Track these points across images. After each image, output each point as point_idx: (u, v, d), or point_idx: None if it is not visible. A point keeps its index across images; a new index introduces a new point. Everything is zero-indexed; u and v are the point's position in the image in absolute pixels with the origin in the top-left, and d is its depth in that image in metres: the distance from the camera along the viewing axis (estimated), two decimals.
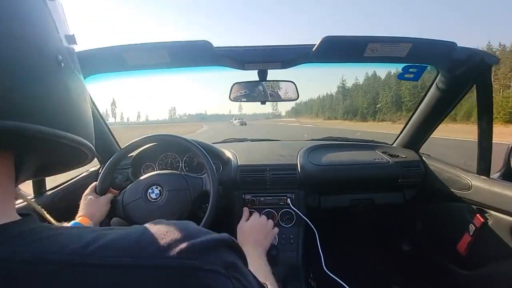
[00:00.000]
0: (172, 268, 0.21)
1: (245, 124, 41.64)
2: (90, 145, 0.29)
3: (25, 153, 0.25)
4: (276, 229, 0.85)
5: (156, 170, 0.99)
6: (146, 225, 0.25)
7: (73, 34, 0.29)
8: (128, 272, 0.20)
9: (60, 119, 0.25)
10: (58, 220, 0.97)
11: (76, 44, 0.30)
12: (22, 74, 0.22)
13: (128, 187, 0.87)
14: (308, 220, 1.11)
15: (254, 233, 0.74)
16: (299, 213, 1.14)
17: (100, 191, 0.85)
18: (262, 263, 0.61)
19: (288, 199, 1.17)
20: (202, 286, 0.21)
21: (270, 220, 0.86)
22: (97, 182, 0.86)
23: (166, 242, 0.22)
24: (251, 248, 0.67)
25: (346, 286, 0.89)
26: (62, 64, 0.26)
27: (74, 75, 0.28)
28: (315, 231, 1.05)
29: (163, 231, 0.23)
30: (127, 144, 0.93)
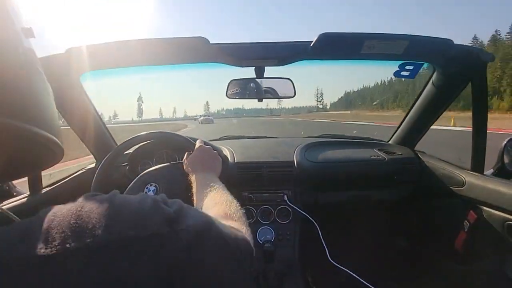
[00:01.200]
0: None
1: (212, 122, 37.12)
2: (57, 141, 0.28)
3: None
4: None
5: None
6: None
7: (30, 27, 0.28)
8: None
9: (26, 114, 0.24)
10: None
11: (34, 37, 0.28)
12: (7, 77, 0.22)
13: (126, 190, 0.87)
14: (307, 215, 1.11)
15: (200, 161, 0.74)
16: (297, 208, 1.15)
17: (96, 189, 0.85)
18: (216, 185, 0.60)
19: (285, 196, 1.18)
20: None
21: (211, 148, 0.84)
22: (94, 180, 0.86)
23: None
24: (201, 175, 0.68)
25: (353, 275, 0.90)
26: (26, 56, 0.26)
27: (35, 70, 0.28)
28: (316, 225, 1.06)
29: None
30: (123, 141, 0.92)
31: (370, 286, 0.90)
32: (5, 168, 0.27)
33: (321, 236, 1.02)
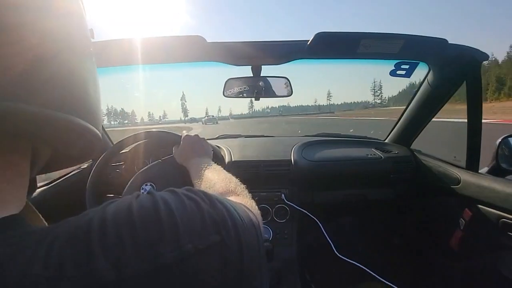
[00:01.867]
0: None
1: (216, 123, 36.44)
2: (101, 136, 0.29)
3: (42, 144, 0.25)
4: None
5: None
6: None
7: (91, 28, 0.29)
8: None
9: (88, 113, 0.25)
10: (50, 218, 0.96)
11: (94, 38, 0.30)
12: (64, 66, 0.22)
13: (124, 192, 0.86)
14: (307, 212, 1.12)
15: (189, 149, 0.74)
16: (296, 206, 1.15)
17: (92, 188, 0.84)
18: (210, 165, 0.61)
19: (282, 195, 1.18)
20: None
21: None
22: (89, 179, 0.85)
23: None
24: (194, 161, 0.67)
25: (361, 267, 0.91)
26: (93, 59, 0.28)
27: (95, 68, 0.29)
28: (318, 221, 1.06)
29: None
30: (119, 140, 0.92)
31: (378, 276, 0.90)
32: (51, 160, 0.28)
33: (323, 230, 1.03)
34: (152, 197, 0.24)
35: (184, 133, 0.81)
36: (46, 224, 0.29)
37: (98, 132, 0.28)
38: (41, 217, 0.29)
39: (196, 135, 0.79)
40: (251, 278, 0.26)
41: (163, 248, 0.20)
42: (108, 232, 0.20)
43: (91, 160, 1.25)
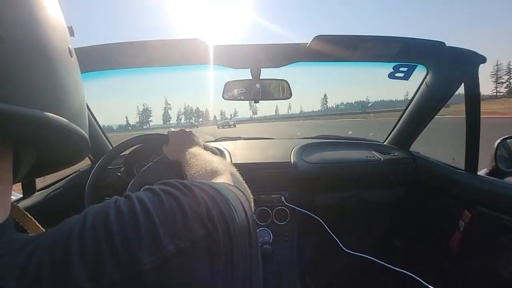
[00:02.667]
0: None
1: (233, 126, 35.47)
2: (87, 138, 0.28)
3: (24, 147, 0.25)
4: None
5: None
6: None
7: (71, 26, 0.29)
8: None
9: (68, 111, 0.25)
10: (48, 221, 0.96)
11: (74, 36, 0.30)
12: (41, 63, 0.22)
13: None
14: (309, 213, 1.11)
15: (177, 144, 0.73)
16: (297, 208, 1.15)
17: (90, 191, 0.84)
18: (197, 153, 0.60)
19: (282, 197, 1.18)
20: None
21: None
22: (88, 182, 0.85)
23: None
24: (184, 154, 0.66)
25: (373, 259, 0.90)
26: (72, 56, 0.27)
27: (77, 67, 0.29)
28: (321, 220, 1.06)
29: None
30: (119, 143, 0.92)
31: (388, 265, 0.90)
32: (36, 165, 0.28)
33: (328, 229, 1.02)
34: (128, 200, 0.23)
35: (171, 130, 0.81)
36: (41, 227, 0.28)
37: (82, 131, 0.27)
38: (34, 220, 0.29)
39: (182, 129, 0.79)
40: (242, 265, 0.26)
41: (141, 253, 0.19)
42: (86, 240, 0.19)
43: (90, 163, 1.25)
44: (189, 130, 0.79)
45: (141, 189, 0.27)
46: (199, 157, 0.58)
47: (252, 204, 0.38)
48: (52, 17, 0.25)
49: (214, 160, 0.54)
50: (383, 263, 0.91)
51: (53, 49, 0.24)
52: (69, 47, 0.27)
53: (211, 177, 0.46)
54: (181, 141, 0.73)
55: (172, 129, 0.80)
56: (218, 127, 34.07)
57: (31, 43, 0.22)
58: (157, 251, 0.20)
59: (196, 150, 0.65)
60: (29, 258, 0.18)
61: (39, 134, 0.23)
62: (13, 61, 0.20)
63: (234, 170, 0.51)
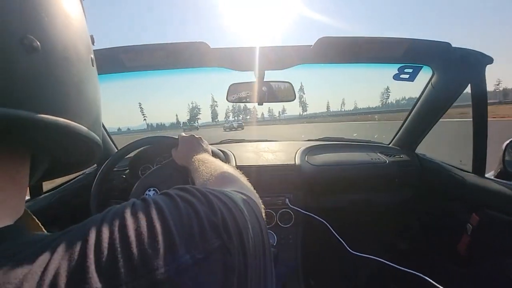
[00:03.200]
0: None
1: (240, 128, 33.47)
2: (101, 145, 0.29)
3: (42, 153, 0.25)
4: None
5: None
6: None
7: (92, 35, 0.30)
8: None
9: (88, 119, 0.25)
10: (55, 224, 0.97)
11: (94, 44, 0.30)
12: (69, 73, 0.23)
13: (129, 199, 0.86)
14: (314, 215, 1.11)
15: (187, 149, 0.74)
16: (301, 210, 1.14)
17: (96, 194, 0.85)
18: (207, 160, 0.61)
19: (287, 199, 1.18)
20: None
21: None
22: (94, 184, 0.86)
23: None
24: (193, 158, 0.66)
25: (380, 260, 0.89)
26: (94, 65, 0.28)
27: (97, 76, 0.29)
28: (326, 223, 1.05)
29: None
30: (124, 146, 0.92)
31: (396, 265, 0.89)
32: (50, 168, 0.28)
33: (333, 231, 1.01)
34: (145, 205, 0.23)
35: (182, 134, 0.81)
36: (45, 231, 0.28)
37: (99, 139, 0.27)
38: (40, 224, 0.29)
39: (192, 135, 0.79)
40: (256, 279, 0.25)
41: (157, 263, 0.19)
42: (103, 247, 0.19)
43: (95, 166, 1.26)
44: (199, 136, 0.79)
45: (159, 193, 0.26)
46: (209, 164, 0.58)
47: (263, 212, 0.37)
48: (79, 26, 0.25)
49: (224, 168, 0.54)
50: (390, 263, 0.90)
51: (79, 58, 0.25)
52: (91, 57, 0.27)
53: (221, 185, 0.46)
54: (191, 147, 0.73)
55: (183, 134, 0.80)
56: (225, 130, 32.49)
57: (61, 52, 0.22)
58: (173, 260, 0.20)
59: (205, 156, 0.65)
60: (48, 264, 0.18)
61: (60, 141, 0.24)
62: (44, 70, 0.21)
63: (244, 178, 0.51)
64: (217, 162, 0.59)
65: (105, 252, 0.19)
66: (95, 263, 0.18)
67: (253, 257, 0.26)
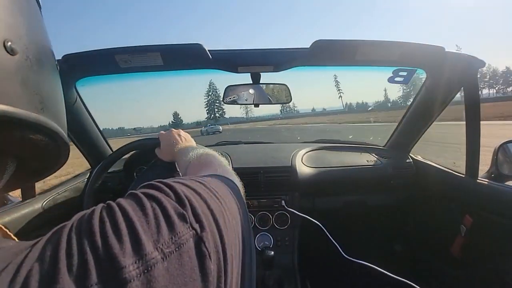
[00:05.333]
0: None
1: (218, 132, 29.97)
2: (63, 133, 0.29)
3: (7, 150, 0.25)
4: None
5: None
6: None
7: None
8: None
9: (57, 114, 0.27)
10: (48, 226, 0.95)
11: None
12: (45, 72, 0.26)
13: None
14: (309, 217, 1.11)
15: (169, 145, 0.74)
16: (297, 212, 1.14)
17: (90, 196, 0.84)
18: (187, 150, 0.61)
19: (283, 201, 1.18)
20: None
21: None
22: (87, 186, 0.85)
23: None
24: (177, 151, 0.67)
25: (373, 266, 0.89)
26: (58, 68, 0.30)
27: (59, 76, 0.31)
28: (321, 226, 1.05)
29: None
30: (118, 148, 0.92)
31: (392, 275, 0.89)
32: (13, 173, 0.28)
33: (328, 234, 1.01)
34: (109, 210, 0.23)
35: (161, 132, 0.81)
36: (16, 239, 0.28)
37: (66, 138, 0.28)
38: (5, 229, 0.28)
39: (170, 129, 0.79)
40: (236, 260, 0.25)
41: (125, 263, 0.19)
42: (73, 251, 0.19)
43: (90, 168, 1.25)
44: (178, 129, 0.79)
45: (125, 195, 0.26)
46: (186, 152, 0.59)
47: (243, 190, 0.37)
48: (45, 29, 0.27)
49: (200, 152, 0.54)
50: (381, 270, 0.90)
51: (49, 59, 0.26)
52: (55, 60, 0.30)
53: (198, 170, 0.46)
54: (172, 141, 0.73)
55: (162, 131, 0.80)
56: (202, 134, 29.26)
57: (35, 55, 0.24)
58: (141, 258, 0.20)
59: (185, 146, 0.66)
60: (20, 266, 0.18)
61: (28, 137, 0.24)
62: (22, 71, 0.22)
63: (221, 158, 0.51)
64: (195, 149, 0.59)
65: (75, 255, 0.19)
66: (66, 266, 0.18)
67: (231, 239, 0.26)
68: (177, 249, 0.21)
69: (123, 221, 0.21)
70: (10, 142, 0.23)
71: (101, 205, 0.24)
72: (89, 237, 0.20)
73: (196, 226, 0.23)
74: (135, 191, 0.26)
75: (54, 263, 0.18)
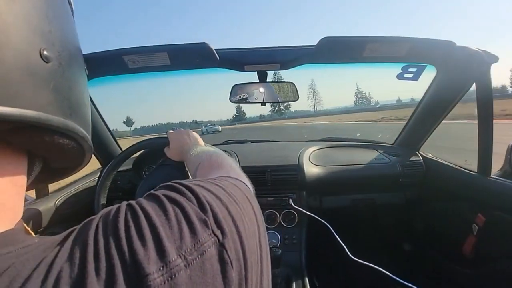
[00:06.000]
0: None
1: (218, 131, 31.46)
2: (87, 135, 0.29)
3: (36, 155, 0.26)
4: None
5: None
6: None
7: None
8: None
9: (83, 119, 0.28)
10: (61, 224, 0.98)
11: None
12: (74, 78, 0.27)
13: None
14: (317, 216, 1.10)
15: (178, 144, 0.74)
16: (304, 211, 1.14)
17: (100, 193, 0.85)
18: (195, 150, 0.62)
19: (290, 200, 1.18)
20: None
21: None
22: (98, 185, 0.87)
23: None
24: (187, 151, 0.67)
25: (378, 268, 0.88)
26: (86, 71, 0.31)
27: (87, 79, 0.32)
28: (329, 225, 1.05)
29: None
30: (128, 147, 0.93)
31: (396, 278, 0.88)
32: (44, 171, 0.29)
33: (335, 235, 1.01)
34: (133, 212, 0.23)
35: (170, 131, 0.82)
36: (34, 235, 0.29)
37: (91, 142, 0.29)
38: (28, 228, 0.30)
39: (179, 129, 0.80)
40: (256, 267, 0.25)
41: (149, 269, 0.19)
42: (101, 255, 0.19)
43: (100, 167, 1.27)
44: (186, 129, 0.79)
45: (145, 194, 0.26)
46: (196, 153, 0.59)
47: (253, 192, 0.37)
48: (76, 33, 0.29)
49: (211, 152, 0.54)
50: (387, 273, 0.89)
51: (79, 64, 0.28)
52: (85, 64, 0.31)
53: (209, 171, 0.46)
54: (181, 141, 0.74)
55: (171, 131, 0.81)
56: (202, 134, 29.84)
57: (68, 61, 0.25)
58: (165, 265, 0.20)
59: (195, 146, 0.66)
60: (50, 268, 0.18)
61: (57, 142, 0.25)
62: (54, 78, 0.23)
63: (230, 158, 0.51)
64: (204, 149, 0.60)
65: (103, 259, 0.19)
66: (94, 269, 0.18)
67: (251, 245, 0.25)
68: (199, 256, 0.21)
69: (147, 225, 0.21)
70: (40, 145, 0.24)
71: (125, 204, 0.24)
72: (115, 240, 0.20)
73: (218, 232, 0.23)
74: (156, 193, 0.26)
75: (82, 265, 0.18)
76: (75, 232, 0.22)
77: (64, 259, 0.19)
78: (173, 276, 0.19)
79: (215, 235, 0.23)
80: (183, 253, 0.21)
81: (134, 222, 0.22)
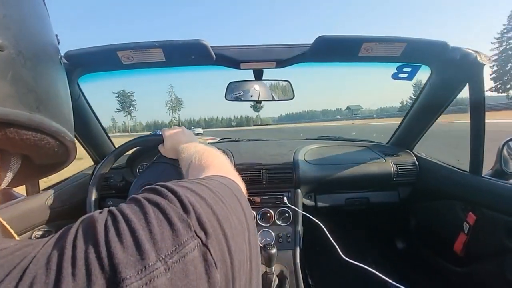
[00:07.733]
0: None
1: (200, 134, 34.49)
2: (75, 142, 0.29)
3: (3, 148, 0.25)
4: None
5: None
6: None
7: (57, 34, 0.30)
8: None
9: (60, 116, 0.26)
10: (52, 222, 0.96)
11: (59, 43, 0.31)
12: (39, 69, 0.24)
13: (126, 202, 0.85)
14: (310, 215, 1.11)
15: (172, 142, 0.74)
16: (298, 210, 1.14)
17: (92, 191, 0.84)
18: (188, 148, 0.61)
19: (285, 198, 1.18)
20: None
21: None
22: (91, 182, 0.85)
23: None
24: (180, 148, 0.66)
25: (369, 269, 0.89)
26: (61, 63, 0.29)
27: (64, 72, 0.30)
28: (321, 224, 1.05)
29: None
30: (121, 144, 0.92)
31: (386, 278, 0.89)
32: (20, 170, 0.28)
33: (328, 234, 1.01)
34: (113, 216, 0.22)
35: (164, 129, 0.81)
36: (17, 238, 0.28)
37: (73, 138, 0.28)
38: (7, 226, 0.28)
39: (174, 127, 0.79)
40: (244, 267, 0.25)
41: (128, 274, 0.18)
42: (78, 261, 0.19)
43: (93, 164, 1.26)
44: (181, 127, 0.79)
45: (127, 199, 0.26)
46: (189, 150, 0.58)
47: (245, 190, 0.37)
48: (46, 23, 0.27)
49: (202, 151, 0.54)
50: (377, 273, 0.90)
51: (48, 54, 0.26)
52: (60, 55, 0.29)
53: (199, 170, 0.45)
54: (175, 138, 0.73)
55: (165, 128, 0.80)
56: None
57: (30, 50, 0.23)
58: (143, 268, 0.19)
59: (188, 144, 0.65)
60: (24, 272, 0.18)
61: (25, 137, 0.24)
62: (12, 67, 0.21)
63: (223, 156, 0.51)
64: (197, 147, 0.59)
65: (80, 264, 0.19)
66: (71, 274, 0.18)
67: (238, 245, 0.25)
68: (181, 259, 0.21)
69: (127, 229, 0.21)
70: (5, 141, 0.23)
71: (106, 210, 0.24)
72: (94, 246, 0.20)
73: (201, 234, 0.23)
74: (137, 196, 0.26)
75: (58, 271, 0.18)
76: (54, 237, 0.21)
77: (40, 264, 0.18)
78: (152, 279, 0.19)
79: (198, 236, 0.22)
80: (163, 256, 0.20)
81: (114, 226, 0.21)
